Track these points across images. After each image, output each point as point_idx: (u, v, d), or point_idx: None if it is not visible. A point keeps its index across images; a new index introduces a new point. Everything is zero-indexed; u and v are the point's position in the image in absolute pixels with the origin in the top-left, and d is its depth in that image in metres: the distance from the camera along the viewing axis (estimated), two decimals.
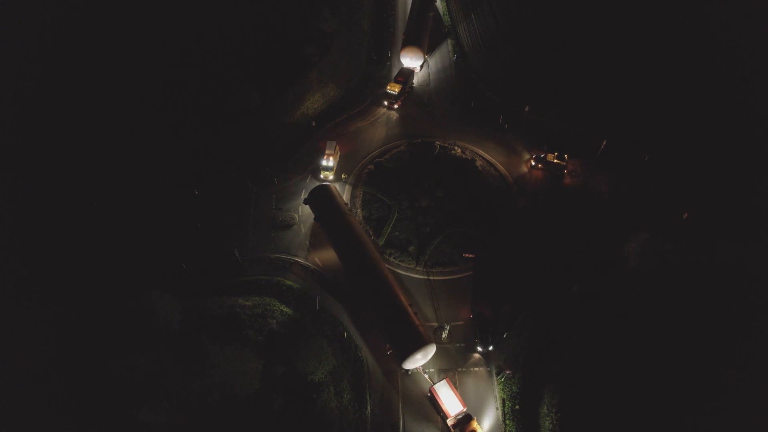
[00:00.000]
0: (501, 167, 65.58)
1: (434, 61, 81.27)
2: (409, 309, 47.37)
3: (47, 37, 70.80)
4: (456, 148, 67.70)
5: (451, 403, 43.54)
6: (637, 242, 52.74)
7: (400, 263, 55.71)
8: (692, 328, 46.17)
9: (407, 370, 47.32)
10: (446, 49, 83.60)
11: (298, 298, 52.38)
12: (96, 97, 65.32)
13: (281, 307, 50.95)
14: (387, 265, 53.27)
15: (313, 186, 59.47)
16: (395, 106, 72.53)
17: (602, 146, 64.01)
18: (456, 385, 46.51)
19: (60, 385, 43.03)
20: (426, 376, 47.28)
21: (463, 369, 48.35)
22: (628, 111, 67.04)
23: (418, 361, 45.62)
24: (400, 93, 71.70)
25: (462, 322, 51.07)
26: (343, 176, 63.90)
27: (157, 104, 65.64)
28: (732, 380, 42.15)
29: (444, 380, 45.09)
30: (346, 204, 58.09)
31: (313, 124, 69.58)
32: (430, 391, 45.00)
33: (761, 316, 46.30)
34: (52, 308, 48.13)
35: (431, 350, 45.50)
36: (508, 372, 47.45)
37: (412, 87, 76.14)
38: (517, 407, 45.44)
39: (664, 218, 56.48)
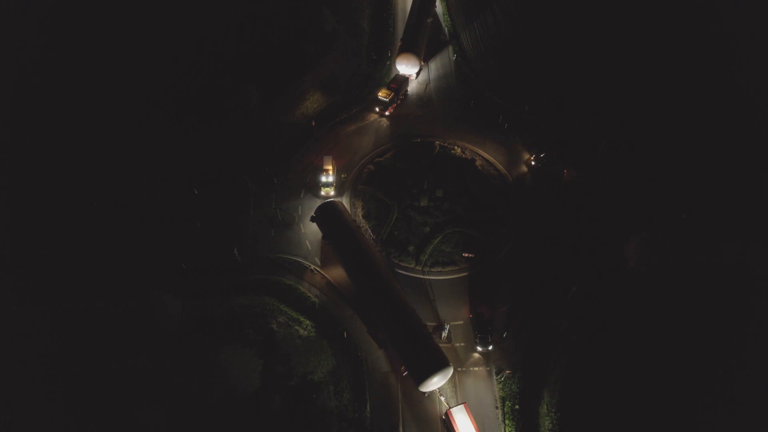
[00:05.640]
0: (501, 167, 65.62)
1: (434, 62, 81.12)
2: (426, 330, 46.24)
3: (47, 36, 70.77)
4: (456, 147, 67.68)
5: (466, 430, 42.30)
6: (637, 242, 52.76)
7: (400, 263, 55.75)
8: (692, 328, 46.24)
9: (424, 393, 46.13)
10: (446, 50, 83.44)
11: (298, 297, 52.42)
12: (95, 96, 65.26)
13: (281, 307, 51.00)
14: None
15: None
16: (386, 113, 71.82)
17: (602, 146, 64.04)
18: (456, 386, 46.51)
19: (60, 384, 43.06)
20: (443, 399, 46.25)
21: (463, 369, 48.32)
22: (630, 111, 66.98)
23: (436, 383, 44.25)
24: (391, 100, 70.51)
25: (462, 322, 51.12)
26: (342, 176, 63.86)
27: (156, 103, 65.62)
28: (732, 380, 42.19)
29: (462, 405, 43.75)
30: (354, 221, 56.82)
31: (313, 123, 69.56)
32: (446, 414, 43.82)
33: (762, 316, 46.35)
34: (52, 308, 48.17)
35: (449, 372, 44.09)
36: (507, 372, 47.46)
37: (406, 94, 74.76)
38: (517, 407, 45.46)
39: (664, 218, 56.49)
